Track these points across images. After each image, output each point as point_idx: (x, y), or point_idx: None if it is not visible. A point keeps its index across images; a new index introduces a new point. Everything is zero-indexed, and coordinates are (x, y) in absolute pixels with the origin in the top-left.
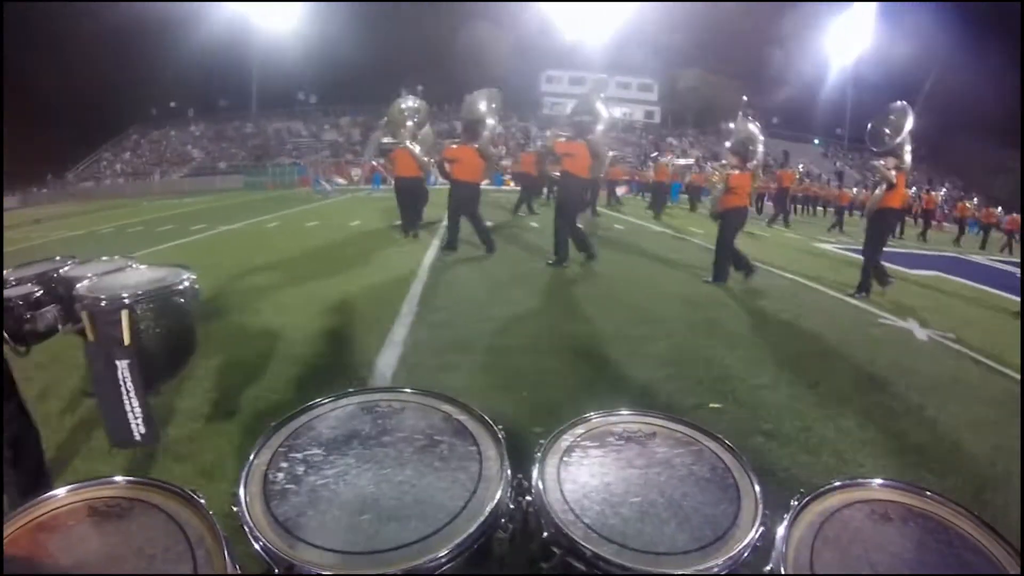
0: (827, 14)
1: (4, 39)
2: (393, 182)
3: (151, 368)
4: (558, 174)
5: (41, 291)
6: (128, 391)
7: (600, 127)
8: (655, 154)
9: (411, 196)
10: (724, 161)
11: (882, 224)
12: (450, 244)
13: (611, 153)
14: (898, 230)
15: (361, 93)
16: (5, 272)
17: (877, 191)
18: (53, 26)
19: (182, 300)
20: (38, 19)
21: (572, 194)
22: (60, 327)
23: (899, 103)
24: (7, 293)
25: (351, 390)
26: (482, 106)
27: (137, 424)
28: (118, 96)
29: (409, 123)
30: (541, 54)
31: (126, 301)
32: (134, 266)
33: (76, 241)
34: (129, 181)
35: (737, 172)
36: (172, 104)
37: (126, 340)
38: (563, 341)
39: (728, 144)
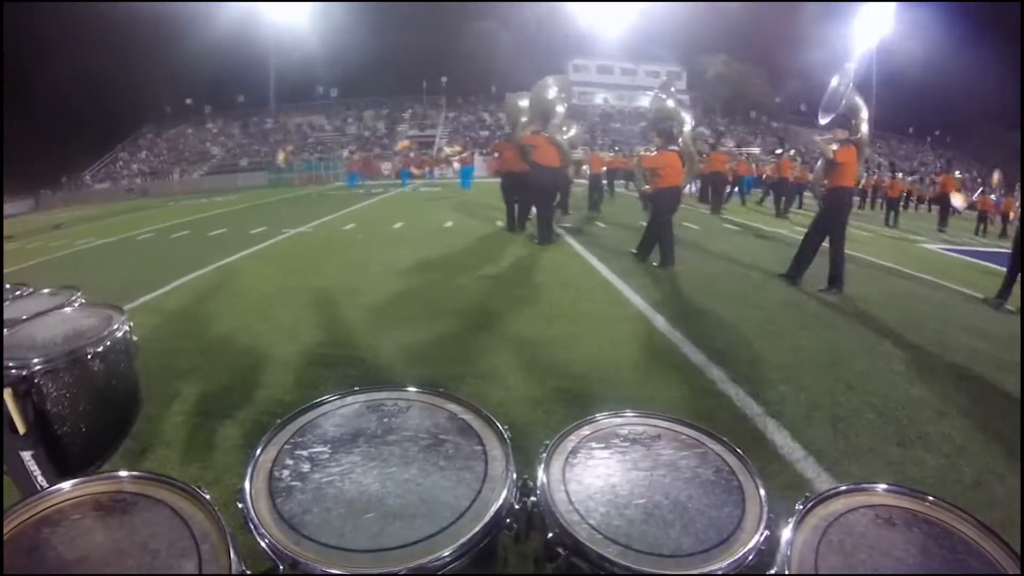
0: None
1: (9, 40)
2: (501, 177)
3: (69, 454)
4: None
5: None
6: (42, 486)
7: (554, 120)
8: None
9: (544, 190)
10: (649, 144)
11: (836, 207)
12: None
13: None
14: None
15: (382, 86)
16: None
17: (818, 165)
18: (59, 25)
19: (107, 361)
20: (45, 18)
21: (542, 182)
22: None
23: (846, 65)
24: None
25: (356, 388)
26: (521, 103)
27: None
28: (131, 94)
29: (560, 108)
30: (567, 43)
31: (22, 374)
32: (70, 306)
33: (113, 252)
34: (147, 180)
35: (654, 153)
36: (188, 101)
37: (20, 427)
38: None
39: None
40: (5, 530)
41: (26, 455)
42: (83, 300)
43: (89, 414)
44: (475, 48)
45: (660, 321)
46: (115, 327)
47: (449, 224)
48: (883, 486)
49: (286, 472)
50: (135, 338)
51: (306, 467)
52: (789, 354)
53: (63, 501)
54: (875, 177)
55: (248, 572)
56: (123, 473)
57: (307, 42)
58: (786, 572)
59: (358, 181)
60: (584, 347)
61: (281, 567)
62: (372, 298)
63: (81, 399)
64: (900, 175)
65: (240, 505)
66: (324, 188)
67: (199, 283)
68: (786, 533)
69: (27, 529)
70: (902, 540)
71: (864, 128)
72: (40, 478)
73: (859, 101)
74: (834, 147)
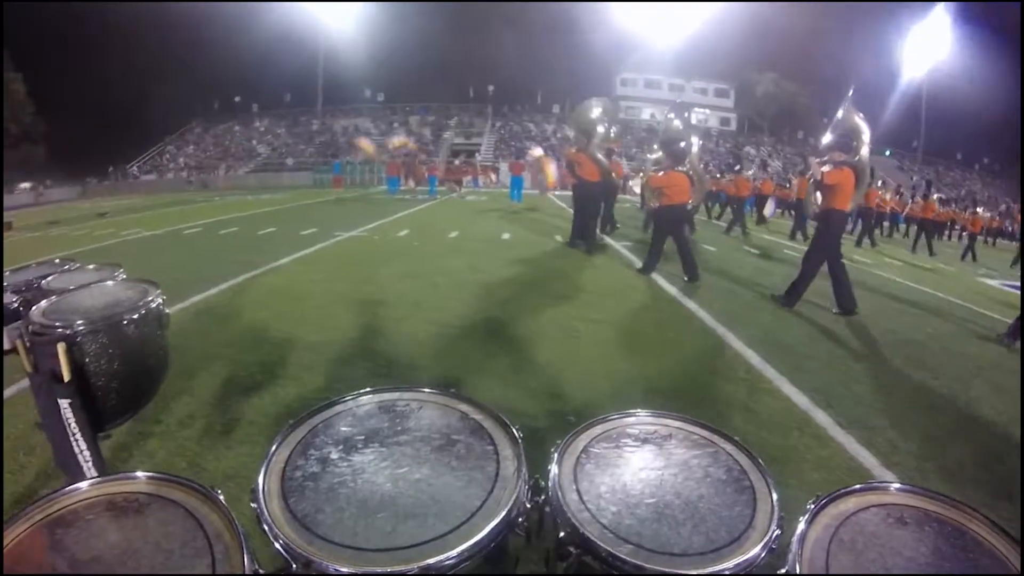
0: (903, 21)
1: (64, 33)
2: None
3: (101, 407)
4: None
5: (19, 302)
6: (73, 433)
7: (595, 139)
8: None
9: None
10: (655, 160)
11: (828, 228)
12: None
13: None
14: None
15: (428, 92)
16: None
17: (810, 185)
18: (114, 20)
19: (140, 328)
20: (100, 12)
21: (586, 194)
22: None
23: (850, 90)
24: None
25: (369, 389)
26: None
27: (88, 467)
28: (180, 89)
29: (600, 128)
30: (615, 56)
31: (66, 332)
32: (112, 280)
33: (160, 246)
34: (193, 175)
35: (661, 173)
36: (236, 99)
37: (65, 376)
38: None
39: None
40: (20, 530)
41: (64, 403)
42: (124, 276)
43: (121, 373)
44: (522, 58)
45: (754, 358)
46: (150, 299)
47: (507, 236)
48: (895, 485)
49: (299, 472)
50: (167, 311)
51: (319, 467)
52: (886, 396)
53: (77, 502)
54: (950, 208)
55: (261, 571)
56: (137, 473)
57: (355, 45)
58: (797, 571)
59: (399, 186)
60: (676, 379)
61: (294, 566)
62: (439, 313)
63: (115, 360)
64: (981, 209)
65: (253, 505)
66: (368, 191)
67: (252, 286)
68: (797, 532)
69: (41, 529)
70: (913, 539)
71: (864, 151)
72: (73, 424)
73: (860, 123)
74: (825, 168)
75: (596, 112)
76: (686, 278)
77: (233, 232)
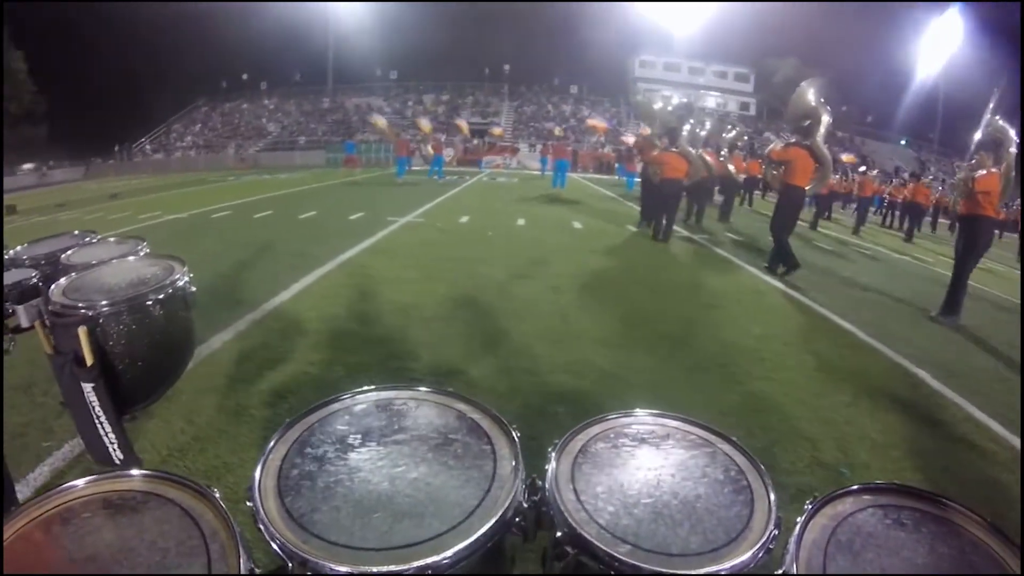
0: (920, 14)
1: (67, 12)
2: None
3: (125, 390)
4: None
5: (38, 277)
6: (98, 415)
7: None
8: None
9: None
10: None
11: (787, 201)
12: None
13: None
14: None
15: (443, 71)
16: (17, 248)
17: (765, 161)
18: None
19: (166, 308)
20: None
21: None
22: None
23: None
24: (7, 277)
25: (367, 387)
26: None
27: (113, 448)
28: (185, 67)
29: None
30: (635, 38)
31: (88, 313)
32: (134, 255)
33: (191, 232)
34: (201, 154)
35: (656, 152)
36: (244, 76)
37: (88, 360)
38: None
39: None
40: (16, 528)
41: (87, 387)
42: (147, 250)
43: (146, 355)
44: (538, 37)
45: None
46: (176, 277)
47: (578, 225)
48: (892, 485)
49: (295, 471)
50: (193, 288)
51: (315, 466)
52: None
53: (73, 499)
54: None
55: (257, 571)
56: (133, 472)
57: (367, 23)
58: (794, 572)
59: (407, 168)
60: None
61: (290, 565)
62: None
63: (140, 340)
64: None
65: (249, 503)
66: (387, 172)
67: (333, 287)
68: (794, 533)
69: (37, 527)
70: (911, 540)
71: (818, 135)
72: (97, 408)
73: (817, 109)
74: (778, 147)
75: (659, 104)
76: (660, 237)
77: (269, 216)
